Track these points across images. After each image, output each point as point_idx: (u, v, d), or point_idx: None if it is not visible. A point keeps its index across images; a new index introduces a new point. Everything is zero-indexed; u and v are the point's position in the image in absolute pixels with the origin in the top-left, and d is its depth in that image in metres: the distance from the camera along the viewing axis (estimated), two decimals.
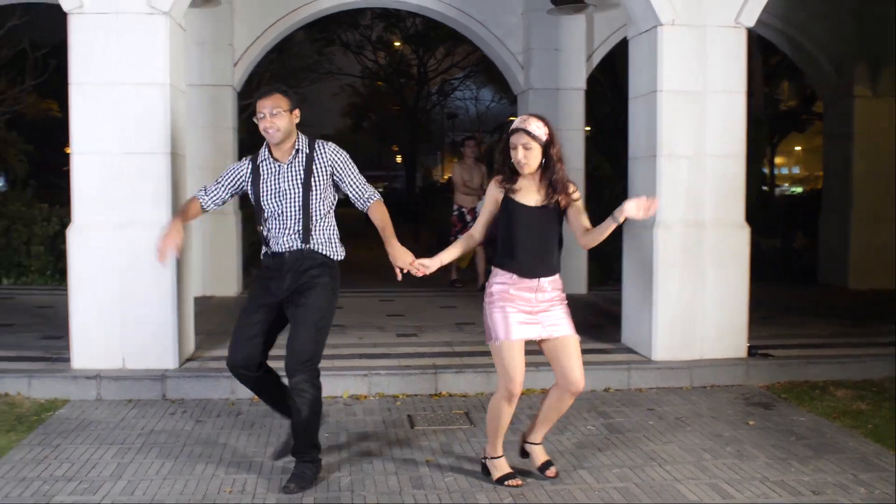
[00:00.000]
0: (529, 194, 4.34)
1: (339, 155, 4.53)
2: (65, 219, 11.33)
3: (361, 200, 4.58)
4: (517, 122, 4.33)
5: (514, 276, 4.33)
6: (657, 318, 6.77)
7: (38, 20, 12.45)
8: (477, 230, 4.51)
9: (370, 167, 62.65)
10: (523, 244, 4.33)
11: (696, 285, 6.80)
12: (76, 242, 6.34)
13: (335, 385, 6.25)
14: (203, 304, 8.97)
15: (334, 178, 4.52)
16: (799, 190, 34.56)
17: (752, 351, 6.93)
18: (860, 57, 10.95)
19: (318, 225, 4.48)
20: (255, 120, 4.43)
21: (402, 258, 4.38)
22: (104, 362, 6.28)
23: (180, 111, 6.65)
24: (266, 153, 4.51)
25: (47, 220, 11.42)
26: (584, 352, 6.77)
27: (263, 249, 4.57)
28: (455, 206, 10.90)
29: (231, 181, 4.60)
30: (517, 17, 10.54)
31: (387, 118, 39.37)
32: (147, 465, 4.76)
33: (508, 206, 4.35)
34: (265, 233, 4.53)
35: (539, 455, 4.66)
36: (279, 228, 4.46)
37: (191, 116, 9.78)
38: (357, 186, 4.56)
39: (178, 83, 6.57)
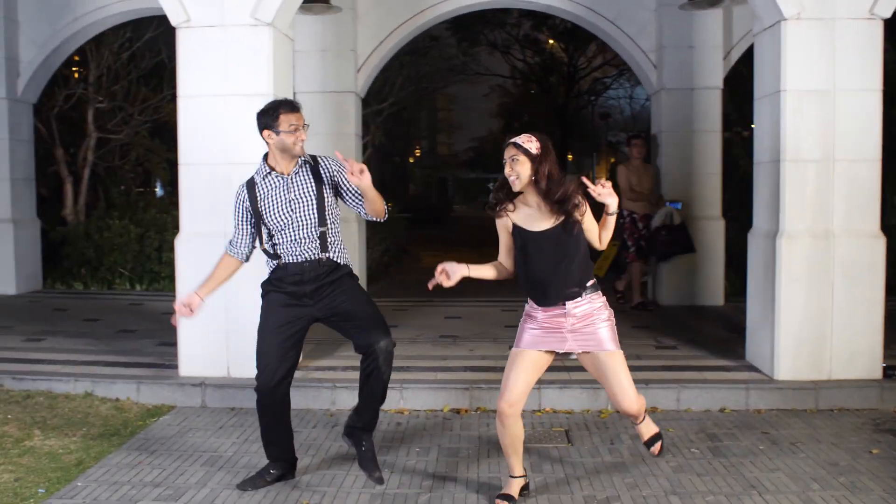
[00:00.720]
0: (537, 220, 4.21)
1: (338, 162, 4.53)
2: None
3: (360, 201, 4.53)
4: (512, 137, 4.26)
5: (538, 306, 4.25)
6: (780, 335, 6.32)
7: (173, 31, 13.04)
8: (502, 258, 4.40)
9: None
10: (538, 273, 4.21)
11: (824, 300, 6.29)
12: (183, 251, 6.56)
13: (436, 398, 6.20)
14: None
15: (339, 180, 4.50)
16: None
17: (889, 372, 6.34)
18: None
19: (332, 232, 4.49)
20: (275, 131, 4.39)
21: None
22: (210, 370, 6.44)
23: None
24: (266, 168, 4.49)
25: (178, 227, 11.91)
26: (704, 368, 6.65)
27: (273, 264, 4.53)
28: (625, 213, 9.84)
29: (242, 217, 4.57)
30: (649, 13, 10.12)
31: (538, 118, 39.15)
32: (234, 474, 4.83)
33: (519, 234, 4.25)
34: (272, 249, 4.51)
35: (645, 429, 4.63)
36: (291, 240, 4.43)
37: (314, 124, 9.93)
38: (358, 194, 4.51)
39: (282, 93, 6.65)
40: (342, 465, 5.00)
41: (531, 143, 4.14)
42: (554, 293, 4.17)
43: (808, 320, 6.31)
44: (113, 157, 14.40)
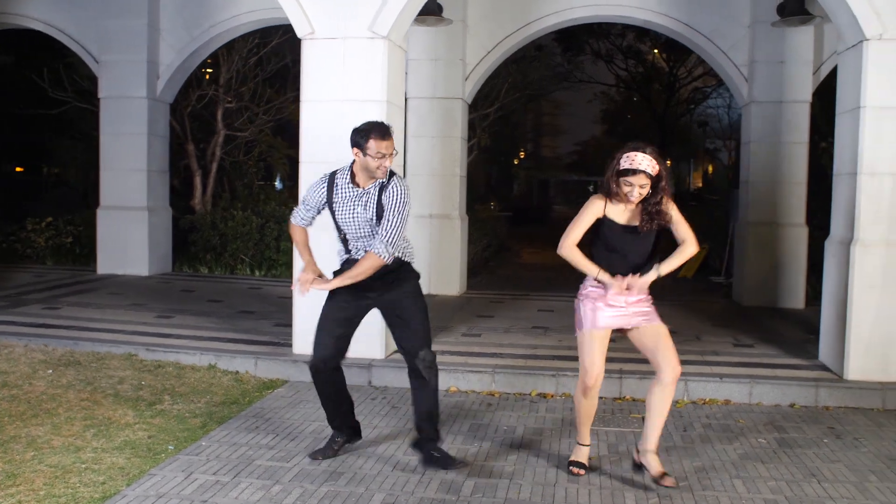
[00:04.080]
0: (625, 214, 4.57)
1: (394, 197, 4.69)
2: None
3: (371, 244, 4.72)
4: (634, 162, 4.42)
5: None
6: (852, 338, 6.67)
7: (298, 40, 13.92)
8: (577, 238, 4.63)
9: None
10: (617, 261, 4.59)
11: (895, 306, 6.63)
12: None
13: (525, 383, 6.71)
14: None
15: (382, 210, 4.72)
16: None
17: None
18: None
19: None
20: (363, 152, 4.60)
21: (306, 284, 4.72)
22: None
23: (397, 125, 7.34)
24: (349, 176, 4.77)
25: None
26: (777, 366, 7.05)
27: (343, 256, 4.88)
28: None
29: (315, 201, 4.88)
30: (743, 29, 10.50)
31: (639, 124, 39.19)
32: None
33: (605, 223, 4.57)
34: (343, 240, 4.85)
35: (653, 464, 4.66)
36: (358, 241, 4.79)
37: (423, 127, 10.65)
38: (379, 233, 4.67)
39: (394, 99, 7.27)
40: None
41: (652, 166, 4.42)
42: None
43: (878, 324, 6.65)
44: (238, 153, 15.39)
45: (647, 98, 32.88)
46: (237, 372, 7.00)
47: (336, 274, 4.86)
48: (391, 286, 4.83)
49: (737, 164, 21.25)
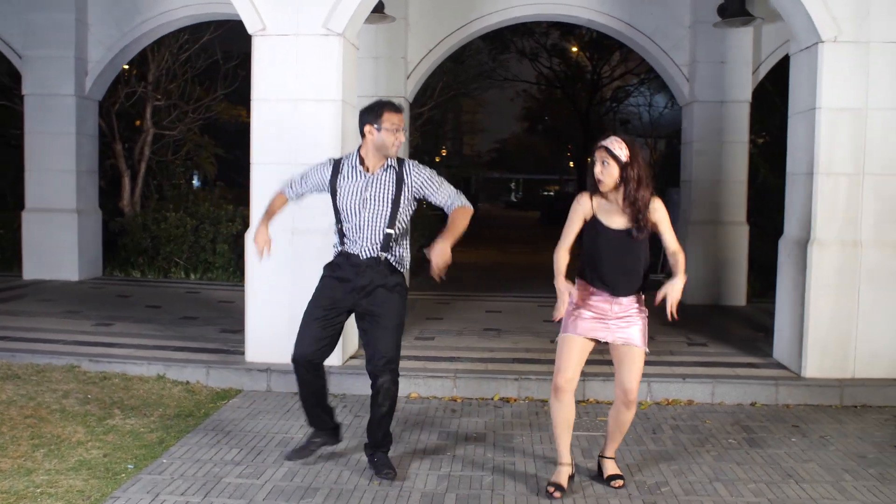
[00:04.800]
0: (614, 217, 4.45)
1: (424, 172, 4.70)
2: (248, 219, 12.33)
3: (451, 205, 4.70)
4: (601, 140, 4.46)
5: (593, 289, 4.51)
6: (809, 336, 6.77)
7: (229, 34, 13.61)
8: (567, 243, 4.53)
9: (543, 170, 63.04)
10: (606, 265, 4.48)
11: (852, 305, 6.74)
12: (252, 246, 6.91)
13: (487, 387, 6.62)
14: None
15: (424, 194, 4.69)
16: None
17: None
18: None
19: (397, 235, 4.68)
20: (377, 128, 4.57)
21: (442, 256, 4.39)
22: (275, 356, 6.76)
23: (350, 125, 7.16)
24: (356, 160, 4.69)
25: (231, 220, 12.47)
26: (735, 365, 7.09)
27: (338, 248, 4.74)
28: None
29: (314, 181, 4.80)
30: (684, 29, 10.61)
31: (560, 122, 39.60)
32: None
33: (595, 226, 4.48)
34: (340, 232, 4.72)
35: (609, 468, 4.79)
36: (357, 233, 4.64)
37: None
38: (444, 193, 4.70)
39: (350, 99, 7.10)
40: (412, 451, 5.40)
41: (621, 150, 4.36)
42: (624, 289, 4.49)
43: (835, 323, 6.76)
44: (166, 152, 14.95)
45: (571, 96, 33.26)
46: (188, 382, 6.75)
47: (328, 267, 4.77)
48: (376, 292, 4.66)
49: (668, 162, 21.62)
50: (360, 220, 4.63)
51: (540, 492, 4.66)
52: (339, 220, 4.70)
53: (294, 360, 4.74)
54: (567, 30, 28.35)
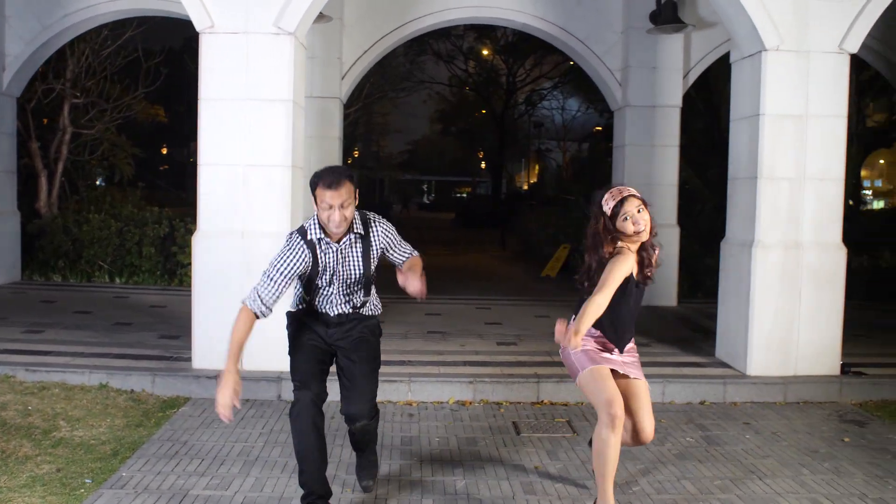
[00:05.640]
0: (635, 271, 4.29)
1: (388, 229, 4.37)
2: (174, 221, 12.02)
3: (404, 258, 4.44)
4: (620, 193, 4.21)
5: (604, 339, 4.35)
6: (753, 335, 6.96)
7: (151, 31, 13.23)
8: (605, 302, 4.13)
9: (456, 172, 63.34)
10: (623, 319, 4.32)
11: (793, 304, 6.96)
12: (201, 248, 6.78)
13: (441, 391, 6.59)
14: None
15: (384, 251, 4.37)
16: (881, 204, 33.35)
17: (845, 369, 7.06)
18: None
19: (368, 294, 4.43)
20: (315, 203, 4.08)
21: (421, 289, 4.12)
22: (224, 363, 6.56)
23: (300, 126, 7.05)
24: (320, 232, 4.17)
25: (158, 223, 12.09)
26: (680, 364, 7.20)
27: (301, 306, 4.41)
28: None
29: (290, 273, 4.13)
30: (617, 35, 10.80)
31: (474, 125, 39.85)
32: (272, 464, 5.05)
33: (629, 282, 4.23)
34: (308, 296, 4.37)
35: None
36: (328, 297, 4.31)
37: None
38: (403, 252, 4.43)
39: (299, 99, 6.99)
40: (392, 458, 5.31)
41: (638, 192, 4.24)
42: (627, 339, 4.39)
43: (778, 323, 6.97)
44: (84, 152, 14.43)
45: (486, 99, 33.51)
46: (132, 391, 6.51)
47: (295, 317, 4.41)
48: (350, 333, 4.36)
49: (594, 164, 21.94)
50: (335, 290, 4.30)
51: (515, 495, 4.65)
52: (308, 292, 4.33)
53: (299, 400, 4.18)
54: (483, 33, 28.55)
